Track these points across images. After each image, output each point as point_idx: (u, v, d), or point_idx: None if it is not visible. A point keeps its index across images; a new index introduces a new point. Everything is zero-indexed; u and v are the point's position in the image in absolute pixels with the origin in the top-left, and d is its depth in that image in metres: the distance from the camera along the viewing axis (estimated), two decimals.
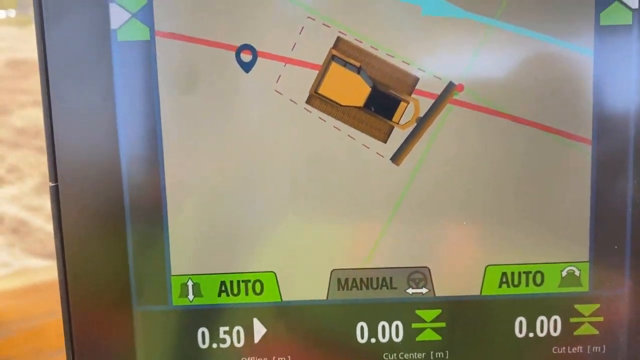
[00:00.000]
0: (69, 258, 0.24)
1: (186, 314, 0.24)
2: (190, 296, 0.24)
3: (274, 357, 0.25)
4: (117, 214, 0.24)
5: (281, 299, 0.24)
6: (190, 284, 0.24)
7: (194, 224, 0.24)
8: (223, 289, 0.24)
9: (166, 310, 0.24)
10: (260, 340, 0.25)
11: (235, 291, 0.24)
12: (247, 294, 0.24)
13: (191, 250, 0.24)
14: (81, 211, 0.24)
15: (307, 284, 0.24)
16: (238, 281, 0.24)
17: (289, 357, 0.25)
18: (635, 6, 0.23)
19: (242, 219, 0.24)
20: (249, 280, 0.24)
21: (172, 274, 0.24)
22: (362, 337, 0.25)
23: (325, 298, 0.24)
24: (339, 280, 0.24)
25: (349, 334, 0.25)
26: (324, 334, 0.25)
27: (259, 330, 0.25)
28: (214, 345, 0.25)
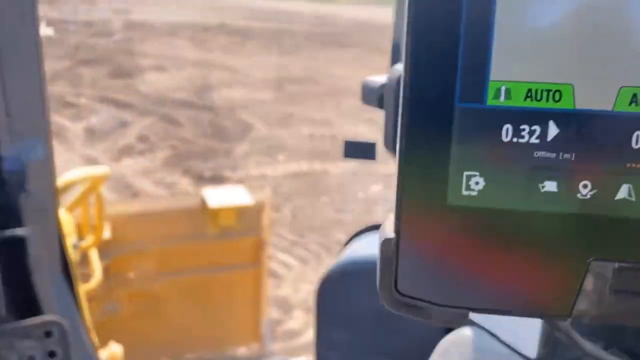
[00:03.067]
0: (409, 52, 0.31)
1: (496, 113, 0.31)
2: (502, 98, 0.31)
3: (561, 153, 0.31)
4: (450, 12, 0.30)
5: (574, 107, 0.31)
6: (503, 88, 0.31)
7: (518, 35, 0.30)
8: (529, 94, 0.31)
9: (481, 108, 0.31)
10: (553, 139, 0.31)
11: (539, 97, 0.31)
12: (547, 100, 0.31)
13: (509, 59, 0.31)
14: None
15: (597, 95, 0.30)
16: (542, 90, 0.31)
17: (574, 154, 0.31)
18: None
19: (558, 32, 0.30)
20: (551, 90, 0.31)
21: (491, 79, 0.31)
22: None
23: (611, 109, 0.30)
24: (626, 95, 0.30)
25: (629, 142, 0.31)
26: (606, 140, 0.31)
27: (553, 130, 0.31)
28: (514, 140, 0.31)
